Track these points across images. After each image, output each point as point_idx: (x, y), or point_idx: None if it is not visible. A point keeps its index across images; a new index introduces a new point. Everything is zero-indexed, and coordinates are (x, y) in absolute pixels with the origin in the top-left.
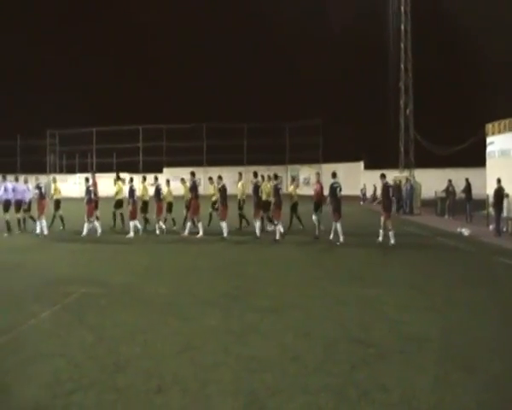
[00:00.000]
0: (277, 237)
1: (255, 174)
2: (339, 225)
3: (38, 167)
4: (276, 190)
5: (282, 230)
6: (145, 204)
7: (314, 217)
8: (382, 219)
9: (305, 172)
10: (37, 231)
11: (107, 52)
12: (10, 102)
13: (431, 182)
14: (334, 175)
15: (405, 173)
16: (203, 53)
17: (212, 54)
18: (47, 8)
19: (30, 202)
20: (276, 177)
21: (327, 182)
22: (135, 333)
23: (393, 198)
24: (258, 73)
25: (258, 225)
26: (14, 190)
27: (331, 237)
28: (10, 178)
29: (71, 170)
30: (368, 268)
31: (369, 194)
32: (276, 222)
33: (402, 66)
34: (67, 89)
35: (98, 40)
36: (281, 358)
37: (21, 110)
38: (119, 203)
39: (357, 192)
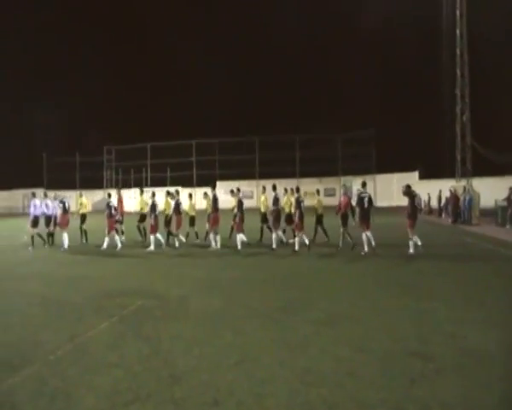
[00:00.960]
0: (296, 247)
1: (274, 187)
2: (369, 234)
3: (96, 183)
4: (298, 202)
5: (306, 241)
6: (169, 218)
7: (342, 230)
8: (409, 229)
9: (358, 183)
10: (65, 245)
11: (159, 69)
12: (70, 119)
13: (489, 191)
14: (363, 185)
15: (462, 182)
16: (256, 66)
17: (264, 67)
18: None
19: (55, 218)
20: (297, 190)
21: (381, 193)
22: (190, 345)
23: (419, 207)
24: (310, 85)
25: (274, 237)
26: (46, 205)
27: (366, 249)
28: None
29: (126, 184)
30: (419, 279)
31: (424, 204)
32: (297, 234)
33: (458, 71)
34: (123, 106)
35: (152, 57)
36: (336, 371)
37: (79, 127)
38: (142, 217)
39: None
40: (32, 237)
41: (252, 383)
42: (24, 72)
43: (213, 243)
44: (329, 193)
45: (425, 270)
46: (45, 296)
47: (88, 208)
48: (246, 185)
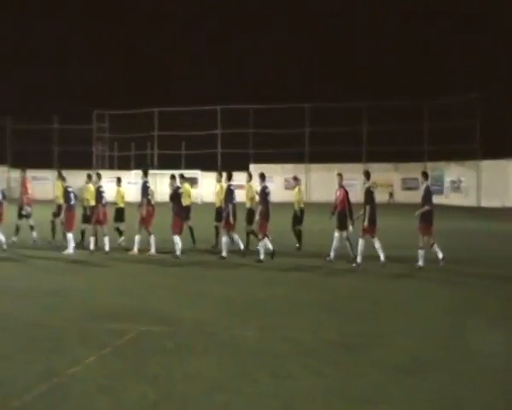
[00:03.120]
0: (261, 256)
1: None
2: (377, 242)
3: (82, 160)
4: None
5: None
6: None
7: (337, 234)
8: (421, 236)
9: (453, 173)
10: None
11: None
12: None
13: None
14: (367, 175)
15: None
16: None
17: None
18: None
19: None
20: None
21: (488, 187)
22: (213, 391)
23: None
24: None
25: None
26: None
27: (382, 259)
28: None
29: (124, 165)
30: None
31: None
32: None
33: None
34: (122, 54)
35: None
36: None
37: (59, 83)
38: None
39: None
40: None
41: None
42: None
43: (262, 253)
44: (409, 185)
45: None
46: (11, 317)
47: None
48: (291, 170)
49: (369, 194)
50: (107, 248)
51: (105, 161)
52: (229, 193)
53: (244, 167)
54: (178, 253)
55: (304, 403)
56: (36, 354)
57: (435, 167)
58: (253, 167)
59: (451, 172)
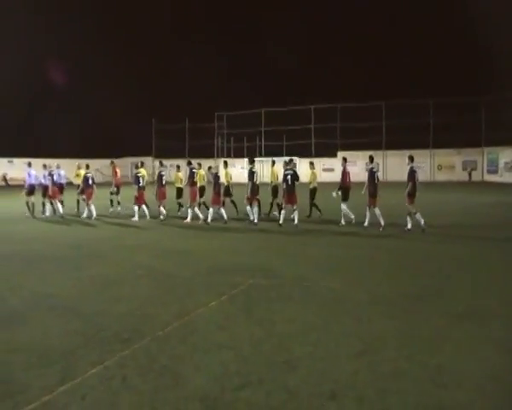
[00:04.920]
0: (281, 220)
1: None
2: (344, 206)
3: (206, 151)
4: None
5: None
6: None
7: (344, 206)
8: (407, 204)
9: (507, 155)
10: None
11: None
12: (180, 85)
13: None
14: (371, 159)
15: None
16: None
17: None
18: None
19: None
20: (252, 161)
21: None
22: (306, 331)
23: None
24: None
25: (255, 210)
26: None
27: (422, 224)
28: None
29: (239, 154)
30: None
31: None
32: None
33: None
34: (233, 70)
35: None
36: (477, 374)
37: (189, 92)
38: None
39: None
40: (27, 204)
41: (374, 377)
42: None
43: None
44: (469, 167)
45: None
46: (153, 268)
47: (184, 182)
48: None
49: (411, 173)
50: (207, 217)
51: (224, 152)
52: (250, 174)
53: (333, 154)
54: (251, 218)
55: (379, 341)
56: (172, 298)
57: (491, 151)
58: (340, 154)
59: (505, 154)
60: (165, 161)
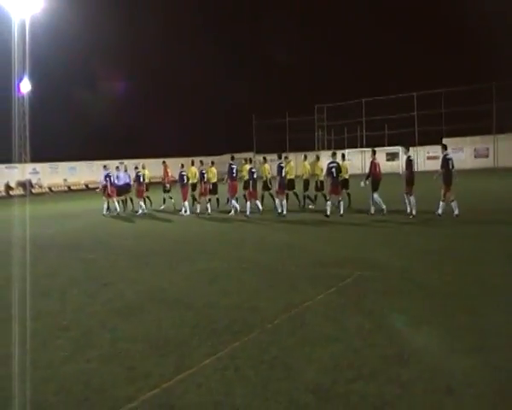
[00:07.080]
0: (328, 212)
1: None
2: (376, 195)
3: (306, 144)
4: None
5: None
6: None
7: (376, 196)
8: (442, 191)
9: None
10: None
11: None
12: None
13: None
14: (445, 147)
15: None
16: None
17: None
18: None
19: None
20: (280, 157)
21: None
22: (418, 323)
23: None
24: None
25: (284, 203)
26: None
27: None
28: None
29: (339, 145)
30: None
31: None
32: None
33: None
34: (332, 62)
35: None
36: None
37: (287, 87)
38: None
39: None
40: (118, 202)
41: (493, 375)
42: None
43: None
44: None
45: None
46: (258, 263)
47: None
48: (479, 142)
49: (444, 160)
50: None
51: (324, 144)
52: (279, 169)
53: (437, 142)
54: (280, 210)
55: (496, 337)
56: (278, 291)
57: None
58: (445, 141)
59: None
60: (268, 156)
